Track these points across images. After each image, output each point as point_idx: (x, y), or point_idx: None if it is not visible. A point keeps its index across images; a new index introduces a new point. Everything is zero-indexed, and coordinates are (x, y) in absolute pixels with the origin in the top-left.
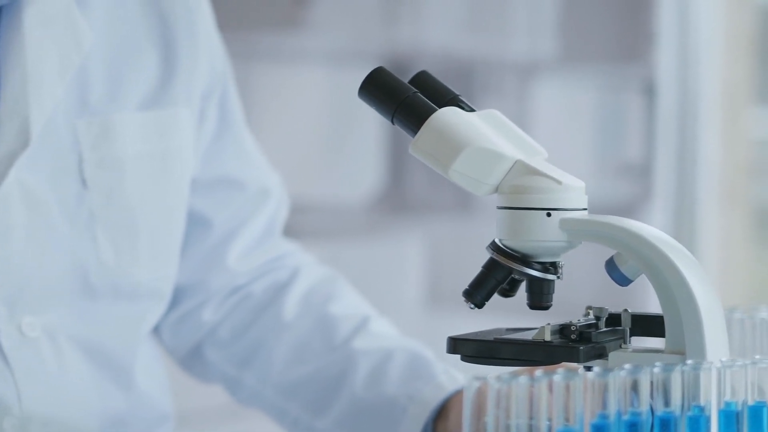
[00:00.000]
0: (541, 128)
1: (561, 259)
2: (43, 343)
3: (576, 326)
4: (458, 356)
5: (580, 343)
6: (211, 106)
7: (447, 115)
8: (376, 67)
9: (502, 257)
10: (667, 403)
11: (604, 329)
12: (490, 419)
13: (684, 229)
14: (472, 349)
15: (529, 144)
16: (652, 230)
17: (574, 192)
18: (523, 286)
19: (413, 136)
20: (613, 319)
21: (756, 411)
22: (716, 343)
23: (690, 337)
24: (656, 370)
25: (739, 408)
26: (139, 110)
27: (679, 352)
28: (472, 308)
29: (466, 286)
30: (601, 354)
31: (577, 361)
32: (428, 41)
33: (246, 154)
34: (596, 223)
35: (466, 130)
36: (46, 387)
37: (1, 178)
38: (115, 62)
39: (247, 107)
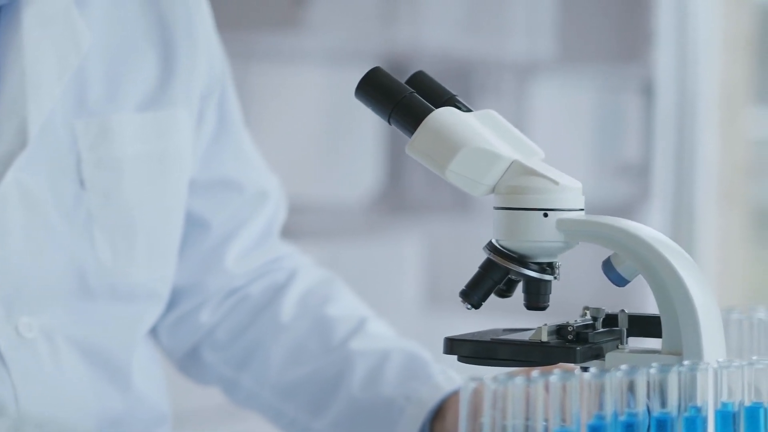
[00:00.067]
0: (539, 128)
1: (558, 260)
2: (40, 344)
3: (573, 327)
4: (455, 357)
5: (577, 344)
6: (210, 107)
7: (444, 115)
8: (373, 67)
9: (499, 258)
10: (663, 404)
11: (601, 330)
12: (486, 420)
13: (682, 229)
14: (468, 349)
15: (526, 144)
16: (649, 231)
17: (571, 192)
18: (520, 286)
19: (410, 137)
20: (610, 320)
21: (753, 412)
22: (713, 344)
23: (687, 338)
24: (653, 370)
25: (736, 409)
26: (138, 111)
27: (676, 352)
28: (468, 309)
29: (463, 286)
30: (598, 355)
31: (574, 361)
32: (426, 41)
33: (244, 156)
34: (593, 224)
35: (463, 131)
36: (43, 387)
37: None
38: (113, 63)
39: (245, 107)
